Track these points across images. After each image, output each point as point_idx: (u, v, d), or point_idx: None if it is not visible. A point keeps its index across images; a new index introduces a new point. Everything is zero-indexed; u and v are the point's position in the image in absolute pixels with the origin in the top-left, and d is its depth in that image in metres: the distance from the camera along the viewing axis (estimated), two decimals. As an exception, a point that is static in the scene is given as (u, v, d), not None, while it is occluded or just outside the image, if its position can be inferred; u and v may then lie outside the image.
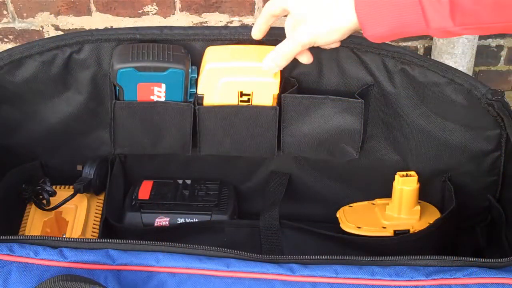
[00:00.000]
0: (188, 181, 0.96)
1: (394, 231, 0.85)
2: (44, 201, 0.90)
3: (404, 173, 0.86)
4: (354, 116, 0.84)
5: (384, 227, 0.86)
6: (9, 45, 1.62)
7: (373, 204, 0.91)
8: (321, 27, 0.70)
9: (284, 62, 0.75)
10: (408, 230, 0.85)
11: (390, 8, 0.65)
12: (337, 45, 0.76)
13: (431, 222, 0.84)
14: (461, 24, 0.62)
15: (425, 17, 0.63)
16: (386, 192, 0.88)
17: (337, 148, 0.87)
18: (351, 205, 0.92)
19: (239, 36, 0.82)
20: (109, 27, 1.58)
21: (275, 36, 0.79)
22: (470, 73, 1.61)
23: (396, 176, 0.85)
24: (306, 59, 0.76)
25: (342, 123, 0.84)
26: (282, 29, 0.76)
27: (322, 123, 0.85)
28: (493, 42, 1.65)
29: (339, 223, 0.89)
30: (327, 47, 0.75)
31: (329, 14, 0.68)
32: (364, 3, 0.66)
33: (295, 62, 0.84)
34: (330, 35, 0.70)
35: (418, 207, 0.86)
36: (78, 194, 0.91)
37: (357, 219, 0.88)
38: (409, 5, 0.63)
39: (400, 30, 0.66)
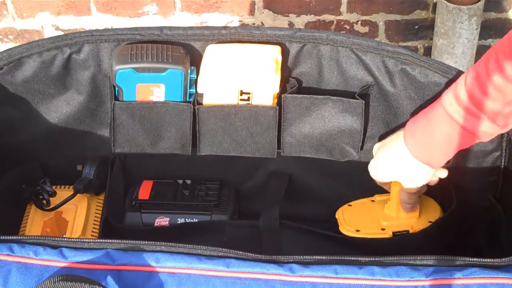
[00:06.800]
0: (188, 181, 0.96)
1: (393, 233, 0.85)
2: (44, 201, 0.90)
3: (404, 173, 0.85)
4: (354, 116, 0.84)
5: (383, 229, 0.86)
6: (9, 45, 1.62)
7: (373, 201, 0.91)
8: (412, 183, 0.80)
9: (413, 200, 0.83)
10: (408, 231, 0.85)
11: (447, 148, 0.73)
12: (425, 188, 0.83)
13: (432, 219, 0.84)
14: (505, 125, 0.69)
15: (476, 137, 0.71)
16: (385, 192, 0.88)
17: (337, 148, 0.87)
18: (350, 203, 0.92)
19: (239, 36, 0.82)
20: (109, 27, 1.58)
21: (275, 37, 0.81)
22: (470, 73, 1.61)
23: (396, 176, 0.85)
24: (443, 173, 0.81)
25: (343, 124, 0.84)
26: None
27: (322, 123, 0.85)
28: (493, 42, 1.65)
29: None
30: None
31: (412, 175, 0.78)
32: (429, 158, 0.75)
33: (295, 62, 0.84)
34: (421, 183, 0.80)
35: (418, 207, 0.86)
36: (78, 194, 0.91)
37: (356, 220, 0.88)
38: (464, 138, 0.71)
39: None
